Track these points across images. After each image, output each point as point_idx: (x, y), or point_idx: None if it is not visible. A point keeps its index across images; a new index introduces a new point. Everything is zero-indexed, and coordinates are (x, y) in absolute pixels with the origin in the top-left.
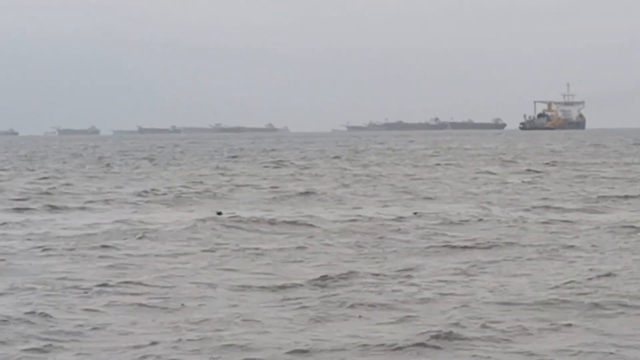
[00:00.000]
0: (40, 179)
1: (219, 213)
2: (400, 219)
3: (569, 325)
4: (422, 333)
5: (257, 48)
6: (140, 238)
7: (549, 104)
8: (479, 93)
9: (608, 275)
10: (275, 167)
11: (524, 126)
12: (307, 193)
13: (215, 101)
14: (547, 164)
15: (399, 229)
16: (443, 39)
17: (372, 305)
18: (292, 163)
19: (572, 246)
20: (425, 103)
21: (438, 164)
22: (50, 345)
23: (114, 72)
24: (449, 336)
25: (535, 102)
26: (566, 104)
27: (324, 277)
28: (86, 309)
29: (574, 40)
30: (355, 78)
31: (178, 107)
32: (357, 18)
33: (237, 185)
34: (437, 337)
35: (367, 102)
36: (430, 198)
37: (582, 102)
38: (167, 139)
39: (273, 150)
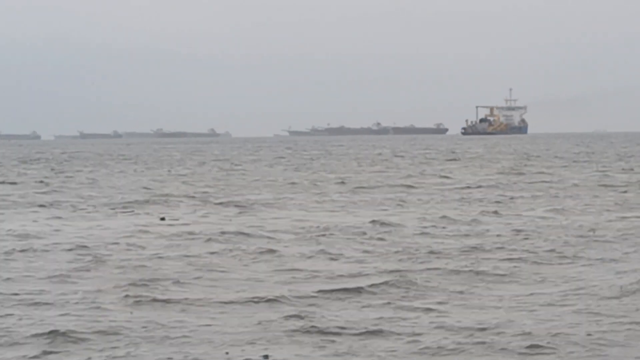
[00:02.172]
0: None
1: (162, 219)
2: None
3: None
4: None
5: (199, 53)
6: None
7: (491, 109)
8: (420, 98)
9: None
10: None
11: (465, 131)
12: None
13: (157, 106)
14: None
15: None
16: (384, 43)
17: None
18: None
19: None
20: (367, 108)
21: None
22: None
23: (54, 76)
24: None
25: (477, 107)
26: (508, 108)
27: None
28: None
29: (517, 46)
30: (297, 83)
31: (119, 112)
32: (298, 24)
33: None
34: None
35: (309, 107)
36: None
37: (524, 107)
38: (112, 144)
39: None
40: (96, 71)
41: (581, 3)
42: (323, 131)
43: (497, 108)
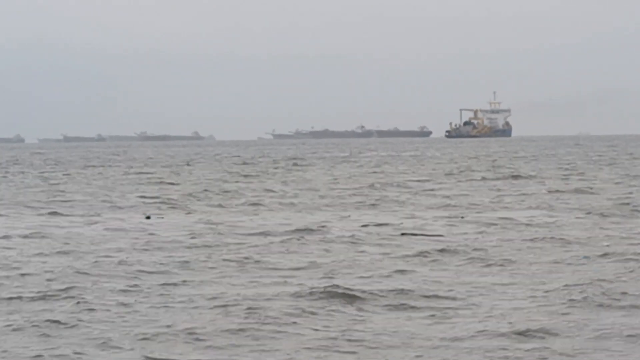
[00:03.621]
0: None
1: (148, 217)
2: None
3: None
4: None
5: (183, 56)
6: None
7: (475, 112)
8: (404, 101)
9: None
10: None
11: (449, 134)
12: None
13: (141, 109)
14: None
15: None
16: (369, 46)
17: None
18: None
19: None
20: (351, 111)
21: None
22: None
23: (37, 79)
24: None
25: (461, 110)
26: (492, 111)
27: None
28: None
29: (501, 49)
30: (280, 86)
31: (103, 115)
32: (282, 26)
33: None
34: None
35: (292, 110)
36: None
37: (509, 110)
38: (96, 147)
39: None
40: (79, 74)
41: (565, 7)
42: (307, 134)
43: (481, 111)
